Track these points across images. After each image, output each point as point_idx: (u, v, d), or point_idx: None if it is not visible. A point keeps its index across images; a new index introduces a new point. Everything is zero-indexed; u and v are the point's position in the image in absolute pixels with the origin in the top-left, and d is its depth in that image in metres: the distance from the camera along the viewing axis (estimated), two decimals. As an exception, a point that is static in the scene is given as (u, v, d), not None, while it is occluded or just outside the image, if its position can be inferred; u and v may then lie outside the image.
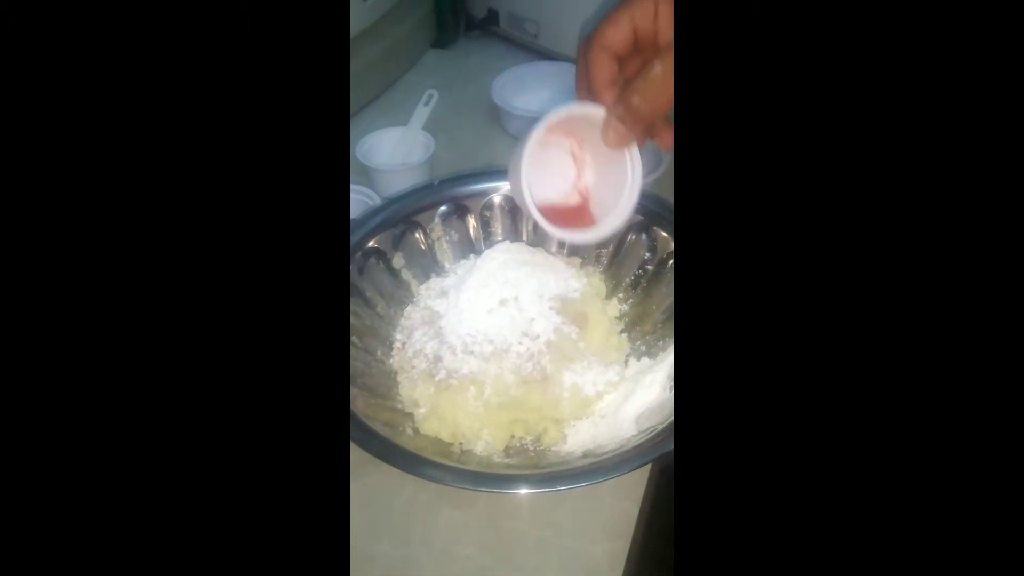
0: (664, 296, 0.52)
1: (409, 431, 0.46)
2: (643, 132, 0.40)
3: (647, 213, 0.54)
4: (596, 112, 0.40)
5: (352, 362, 0.48)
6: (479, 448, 0.45)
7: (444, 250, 0.56)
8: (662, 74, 0.36)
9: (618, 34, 0.37)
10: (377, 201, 0.59)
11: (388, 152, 0.66)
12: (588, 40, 0.39)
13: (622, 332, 0.52)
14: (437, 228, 0.56)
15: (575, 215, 0.46)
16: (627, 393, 0.46)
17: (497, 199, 0.57)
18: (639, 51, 0.38)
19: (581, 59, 0.40)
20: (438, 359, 0.48)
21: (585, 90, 0.40)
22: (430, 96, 0.70)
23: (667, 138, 0.40)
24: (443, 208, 0.56)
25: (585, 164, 0.45)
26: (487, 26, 0.87)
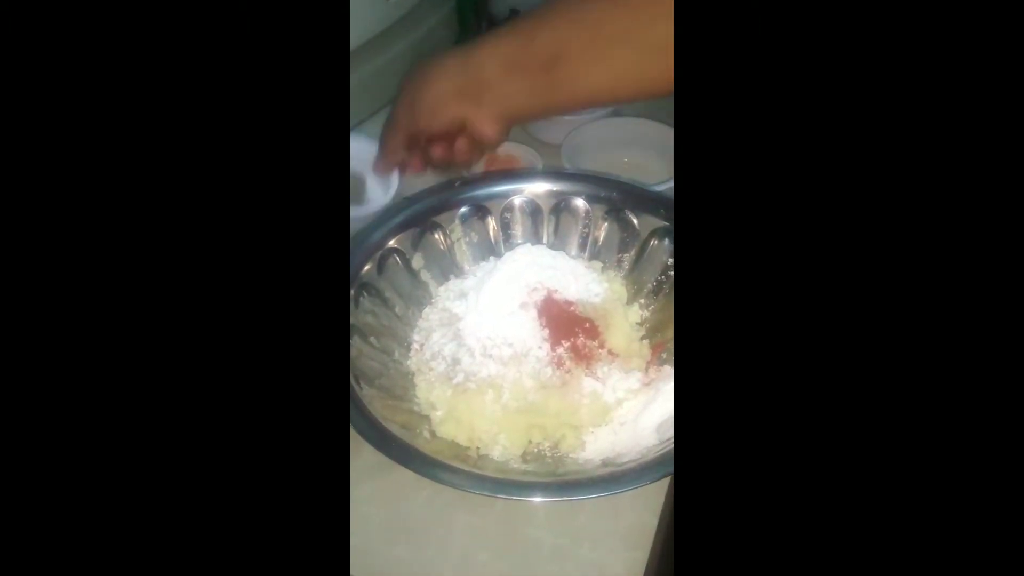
0: (686, 303, 0.51)
1: (426, 434, 0.45)
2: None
3: (669, 219, 0.53)
4: None
5: (369, 362, 0.47)
6: (496, 453, 0.45)
7: (464, 251, 0.56)
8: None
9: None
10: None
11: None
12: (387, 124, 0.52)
13: (643, 338, 0.51)
14: (457, 229, 0.55)
15: None
16: (647, 401, 0.45)
17: (518, 201, 0.56)
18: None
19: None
20: (456, 361, 0.47)
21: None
22: None
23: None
24: (463, 209, 0.55)
25: None
26: (509, 26, 0.87)
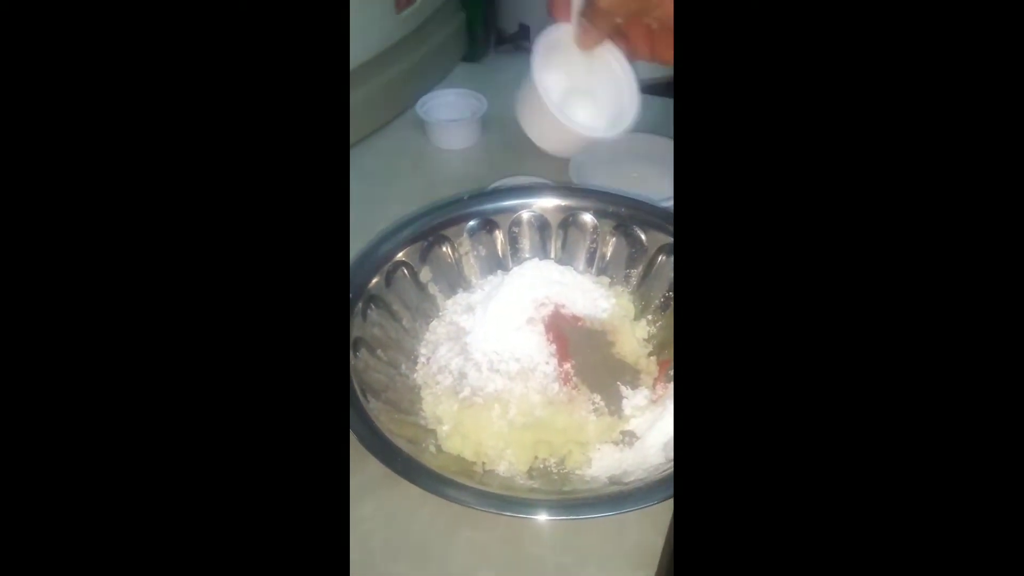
0: (694, 319, 0.51)
1: (432, 448, 0.45)
2: (611, 30, 0.53)
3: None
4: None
5: (375, 375, 0.47)
6: (502, 468, 0.44)
7: (471, 265, 0.56)
8: None
9: None
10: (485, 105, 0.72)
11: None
12: None
13: (650, 354, 0.51)
14: (465, 243, 0.55)
15: None
16: (655, 418, 0.45)
17: (526, 216, 0.56)
18: None
19: None
20: (463, 376, 0.47)
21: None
22: None
23: (644, 46, 0.53)
24: (472, 223, 0.55)
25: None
26: (518, 40, 0.88)
